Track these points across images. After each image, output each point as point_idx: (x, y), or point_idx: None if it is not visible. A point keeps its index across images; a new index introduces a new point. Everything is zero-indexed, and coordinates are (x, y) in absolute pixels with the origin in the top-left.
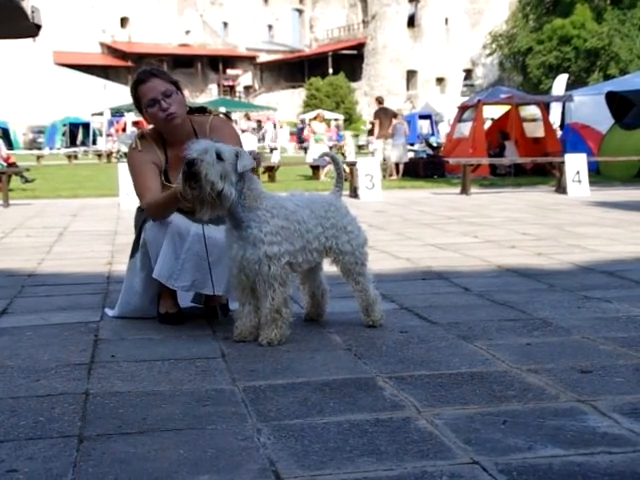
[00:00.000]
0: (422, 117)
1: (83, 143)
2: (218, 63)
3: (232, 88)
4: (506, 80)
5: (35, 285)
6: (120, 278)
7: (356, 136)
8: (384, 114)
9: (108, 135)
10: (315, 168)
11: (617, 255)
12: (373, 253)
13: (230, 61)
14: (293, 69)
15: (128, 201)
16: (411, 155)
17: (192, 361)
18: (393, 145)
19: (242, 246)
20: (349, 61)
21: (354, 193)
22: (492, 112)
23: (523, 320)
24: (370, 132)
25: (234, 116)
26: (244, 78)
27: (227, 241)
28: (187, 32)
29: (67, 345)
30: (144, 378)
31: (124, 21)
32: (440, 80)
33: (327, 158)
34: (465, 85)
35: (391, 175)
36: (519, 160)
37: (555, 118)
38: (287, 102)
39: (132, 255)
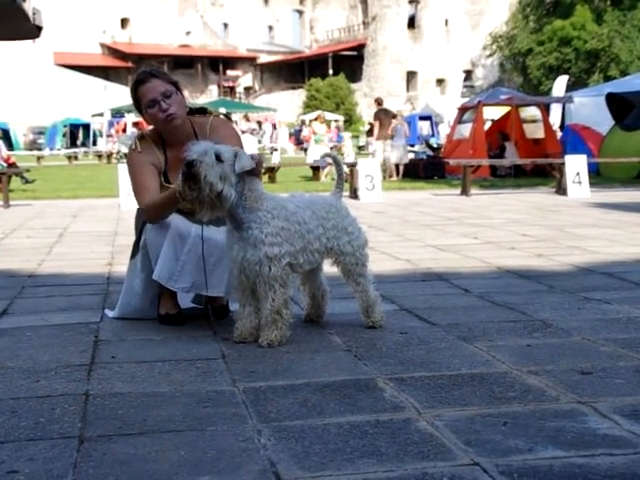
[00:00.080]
0: (422, 118)
1: (83, 144)
2: (218, 64)
3: (232, 89)
4: (506, 81)
5: (35, 286)
6: (120, 279)
7: (356, 137)
8: (384, 115)
9: (108, 136)
10: (315, 169)
11: (617, 256)
12: (373, 254)
13: (230, 62)
14: (293, 70)
15: (128, 202)
16: (411, 156)
17: (192, 362)
18: (393, 146)
19: (243, 247)
20: (349, 62)
21: (354, 194)
22: (492, 113)
23: (523, 321)
24: (369, 133)
25: (234, 117)
26: (244, 79)
27: (228, 242)
28: (187, 33)
29: (67, 346)
30: (144, 379)
31: (124, 22)
32: (440, 81)
33: (328, 159)
34: (465, 86)
35: (391, 176)
36: (519, 161)
37: (555, 119)
38: (287, 103)
39: (132, 256)
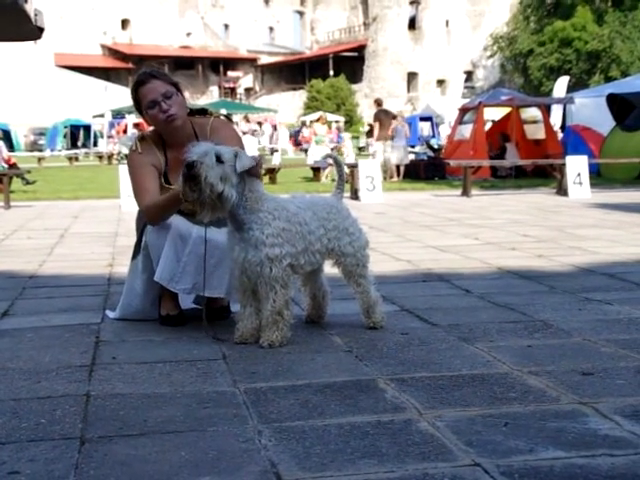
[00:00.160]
0: (423, 119)
1: (84, 145)
2: (219, 65)
3: (233, 90)
4: (507, 82)
5: (36, 287)
6: (121, 280)
7: (356, 138)
8: (384, 115)
9: (109, 137)
10: (316, 170)
11: (618, 257)
12: (374, 255)
13: (231, 63)
14: (294, 71)
15: (129, 203)
16: (412, 157)
17: (193, 363)
18: (394, 147)
19: (244, 248)
20: (350, 63)
21: (355, 195)
22: (493, 114)
23: (524, 322)
24: (368, 134)
25: (234, 118)
26: (245, 80)
27: (229, 243)
28: (188, 34)
29: (68, 347)
30: (145, 380)
31: (125, 23)
32: (441, 82)
33: (329, 160)
34: (466, 87)
35: (392, 177)
36: (520, 162)
37: (556, 120)
38: (288, 104)
39: (134, 257)
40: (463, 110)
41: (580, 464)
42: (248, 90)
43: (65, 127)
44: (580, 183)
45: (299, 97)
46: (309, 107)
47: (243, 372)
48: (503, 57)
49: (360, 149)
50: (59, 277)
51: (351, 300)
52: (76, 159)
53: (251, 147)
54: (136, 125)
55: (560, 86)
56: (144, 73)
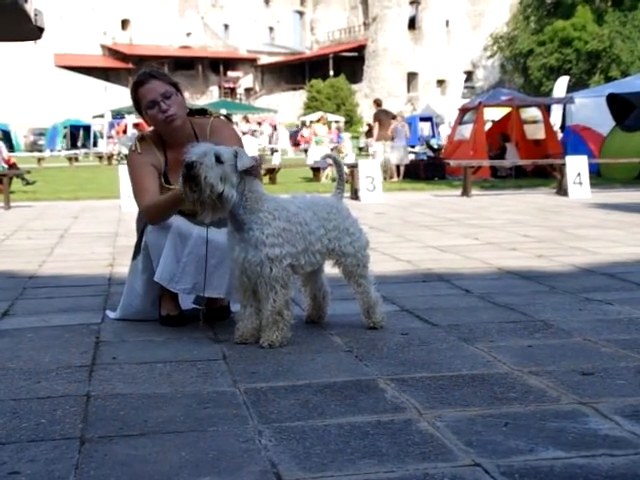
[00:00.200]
0: (423, 119)
1: (84, 145)
2: (219, 65)
3: (233, 90)
4: (507, 82)
5: (36, 287)
6: (121, 280)
7: (356, 138)
8: (384, 116)
9: (109, 137)
10: (316, 170)
11: (618, 257)
12: (374, 255)
13: (231, 63)
14: (294, 71)
15: (129, 203)
16: (412, 157)
17: (193, 363)
18: (394, 147)
19: (244, 248)
20: (350, 63)
21: (355, 195)
22: (493, 114)
23: (524, 322)
24: (367, 134)
25: (234, 118)
26: (245, 80)
27: (229, 243)
28: (188, 34)
29: (68, 347)
30: (145, 380)
31: (125, 23)
32: (441, 82)
33: (329, 160)
34: (466, 87)
35: (392, 177)
36: (520, 162)
37: (556, 120)
38: (288, 104)
39: (134, 257)
40: (463, 110)
41: (580, 464)
42: (248, 90)
43: (65, 127)
44: (580, 183)
45: (299, 97)
46: (309, 107)
47: (243, 372)
48: (503, 57)
49: (360, 149)
50: (59, 277)
51: (351, 300)
52: (76, 159)
53: (251, 147)
54: (136, 125)
55: (560, 86)
56: (143, 73)
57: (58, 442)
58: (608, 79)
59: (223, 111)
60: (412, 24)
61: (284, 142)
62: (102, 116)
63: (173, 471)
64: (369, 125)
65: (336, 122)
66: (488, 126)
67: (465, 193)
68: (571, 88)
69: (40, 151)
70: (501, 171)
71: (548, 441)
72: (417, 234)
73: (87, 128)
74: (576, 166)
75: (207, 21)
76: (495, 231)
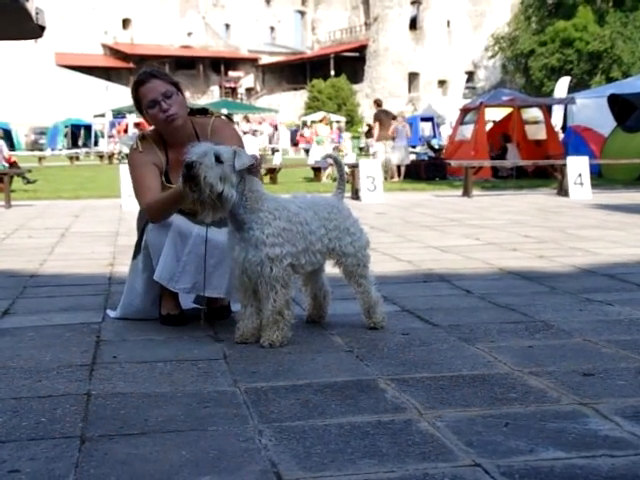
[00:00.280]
0: (424, 119)
1: (85, 144)
2: (220, 65)
3: (234, 90)
4: (508, 82)
5: (37, 286)
6: (122, 279)
7: (356, 138)
8: (385, 116)
9: (110, 136)
10: (316, 170)
11: (619, 258)
12: (375, 255)
13: (232, 63)
14: (295, 71)
15: (130, 202)
16: (413, 157)
17: (194, 362)
18: (395, 147)
19: (244, 248)
20: (351, 63)
21: (356, 195)
22: (494, 114)
23: (525, 323)
24: (367, 134)
25: (235, 118)
26: (246, 80)
27: (229, 243)
28: (189, 34)
29: (69, 346)
30: (146, 379)
31: (126, 22)
32: (442, 82)
33: (329, 160)
34: (467, 87)
35: (392, 177)
36: (521, 162)
37: (557, 121)
38: (289, 104)
39: (134, 256)
40: (464, 110)
41: (580, 465)
42: (249, 90)
43: (66, 126)
44: (581, 184)
45: (300, 97)
46: (310, 107)
47: (244, 372)
48: (504, 57)
49: (361, 149)
50: (60, 276)
51: (352, 300)
52: (77, 158)
53: (252, 147)
54: (137, 125)
55: (561, 86)
56: (144, 72)
57: (58, 441)
58: (609, 80)
59: (224, 111)
60: (413, 24)
61: (285, 142)
62: (103, 115)
63: (173, 470)
64: (369, 125)
65: (337, 122)
66: (489, 126)
67: (466, 193)
68: (572, 89)
69: (41, 150)
70: (502, 171)
71: (548, 441)
72: (418, 234)
73: (88, 127)
74: (577, 167)
75: (208, 21)
76: (496, 231)
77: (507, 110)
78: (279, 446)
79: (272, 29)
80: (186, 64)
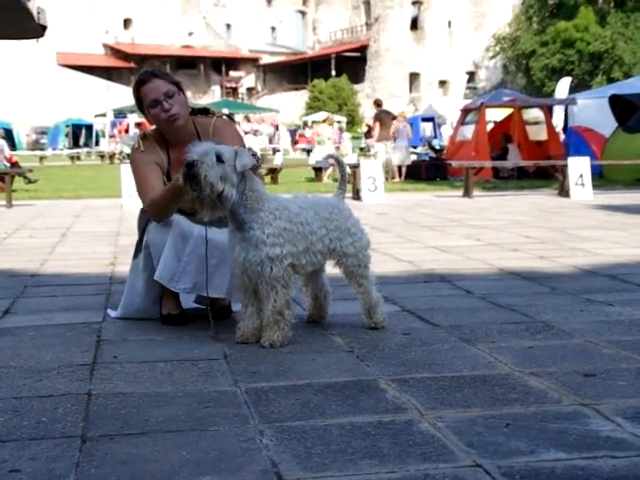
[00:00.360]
0: (425, 120)
1: (86, 144)
2: (221, 65)
3: (235, 90)
4: (509, 83)
5: (38, 285)
6: (122, 279)
7: (357, 138)
8: (385, 116)
9: (111, 136)
10: (318, 170)
11: (620, 258)
12: (375, 255)
13: (233, 63)
14: (296, 71)
15: (131, 202)
16: (414, 158)
17: (194, 362)
18: (396, 147)
19: (244, 248)
20: (352, 63)
21: (356, 195)
22: (495, 115)
23: (525, 323)
24: (367, 135)
25: (236, 118)
26: (247, 80)
27: (230, 243)
28: (190, 34)
29: (70, 346)
30: (146, 379)
31: (127, 22)
32: (443, 83)
33: (331, 160)
34: (468, 88)
35: (393, 177)
36: (522, 163)
37: (558, 121)
38: (290, 104)
39: (135, 256)
40: (465, 111)
41: (581, 466)
42: (250, 90)
43: (67, 126)
44: (582, 184)
45: (301, 97)
46: (311, 107)
47: (244, 372)
48: (505, 58)
49: (361, 149)
50: (61, 276)
51: (352, 300)
52: (78, 158)
53: (253, 146)
54: (138, 125)
55: (562, 87)
56: (146, 72)
57: (59, 440)
58: (610, 80)
59: (225, 111)
60: (414, 24)
61: (285, 142)
62: (104, 115)
63: (174, 470)
64: (368, 126)
65: (338, 122)
66: (490, 127)
67: (467, 194)
68: (573, 89)
69: (42, 150)
70: (503, 172)
71: (549, 442)
72: (419, 235)
73: (89, 127)
74: (578, 167)
75: (209, 20)
76: (497, 232)
77: (508, 110)
78: (280, 446)
79: (273, 29)
80: (187, 64)
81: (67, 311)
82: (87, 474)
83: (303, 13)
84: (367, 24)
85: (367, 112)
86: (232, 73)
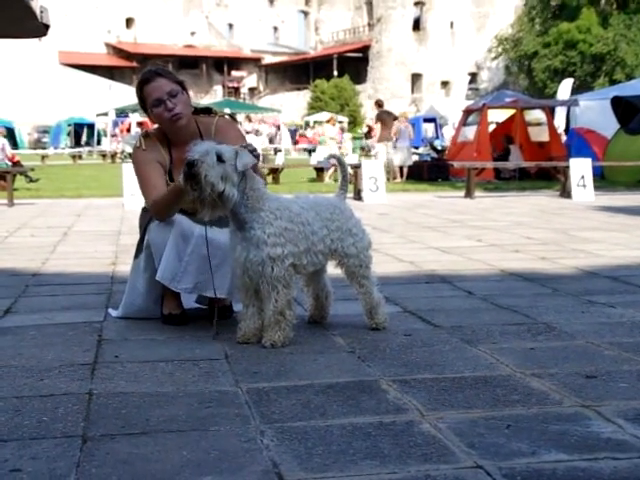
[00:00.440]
0: (427, 120)
1: (88, 143)
2: (223, 64)
3: (237, 90)
4: (511, 84)
5: (39, 285)
6: (124, 278)
7: (359, 139)
8: (387, 116)
9: (113, 135)
10: (319, 170)
11: (622, 260)
12: (377, 256)
13: (235, 63)
14: (298, 71)
15: (132, 201)
16: (415, 158)
17: (195, 362)
18: (397, 148)
19: (245, 247)
20: (354, 64)
21: (358, 196)
22: (497, 116)
23: (527, 324)
24: (367, 135)
25: (238, 118)
26: (249, 80)
27: (231, 243)
28: (192, 33)
29: (71, 345)
30: (147, 379)
31: (129, 22)
32: (445, 83)
33: (332, 160)
34: (470, 89)
35: (395, 178)
36: (524, 164)
37: (560, 122)
38: (292, 104)
39: (136, 256)
40: (467, 112)
41: (583, 467)
42: (252, 90)
43: (69, 125)
44: (584, 186)
45: (303, 97)
46: (313, 107)
47: (245, 372)
48: (507, 59)
49: (362, 149)
50: (62, 275)
51: (354, 301)
52: (79, 157)
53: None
54: (140, 124)
55: (564, 88)
56: (149, 71)
57: (60, 440)
58: (612, 82)
59: (227, 110)
60: (416, 25)
61: (287, 142)
62: (106, 114)
63: (175, 470)
64: (369, 126)
65: (340, 122)
66: (492, 128)
67: (468, 195)
68: (575, 90)
69: (44, 149)
70: (505, 173)
71: (550, 444)
72: (420, 235)
73: (91, 126)
74: (580, 169)
75: (211, 20)
76: (498, 233)
77: (510, 112)
78: (281, 447)
79: (275, 29)
80: (189, 64)
81: (68, 310)
82: (88, 474)
83: (305, 13)
84: (369, 24)
85: (369, 112)
86: (234, 73)
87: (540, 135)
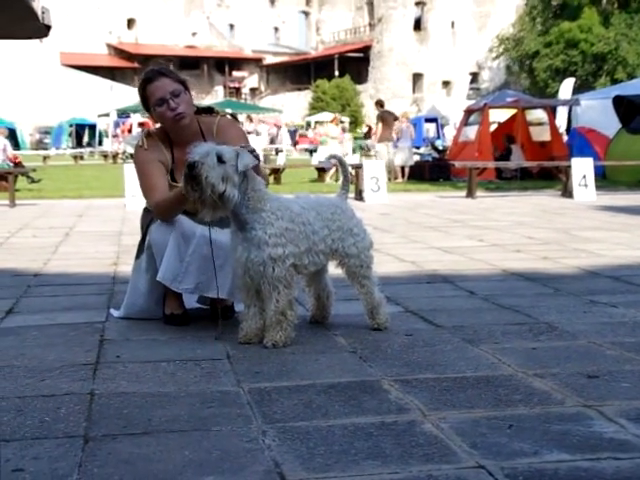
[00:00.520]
0: (428, 120)
1: (89, 144)
2: (224, 65)
3: (238, 90)
4: (512, 84)
5: (41, 285)
6: (125, 279)
7: (360, 139)
8: (388, 116)
9: (114, 136)
10: (321, 170)
11: (623, 260)
12: (378, 256)
13: (236, 63)
14: (299, 71)
15: (134, 202)
16: (417, 158)
17: (197, 362)
18: (399, 148)
19: (246, 248)
20: (355, 64)
21: (359, 196)
22: (498, 116)
23: (529, 324)
24: (367, 135)
25: (239, 118)
26: (250, 80)
27: (232, 243)
28: (193, 34)
29: (72, 345)
30: (149, 379)
31: (131, 22)
32: (446, 83)
33: (333, 160)
34: (471, 88)
35: (396, 178)
36: (525, 164)
37: (561, 122)
38: (293, 104)
39: (138, 256)
40: (468, 111)
41: (585, 467)
42: (253, 90)
43: (70, 126)
44: (585, 185)
45: (304, 97)
46: (314, 107)
47: (247, 372)
48: (509, 58)
49: (362, 148)
50: (64, 275)
51: (355, 301)
52: (81, 158)
53: (256, 146)
54: (141, 124)
55: (566, 88)
56: (152, 70)
57: (62, 440)
58: (614, 81)
59: (229, 110)
60: (417, 25)
61: (288, 142)
62: (107, 115)
63: (177, 470)
64: (369, 126)
65: (341, 122)
66: (493, 128)
67: (470, 194)
68: (577, 90)
69: (45, 149)
70: (506, 173)
71: (553, 444)
72: (421, 235)
73: (92, 127)
74: (581, 168)
75: (212, 21)
76: (500, 233)
77: (511, 111)
78: (283, 446)
79: (276, 29)
80: (190, 64)
81: (70, 311)
82: (90, 474)
83: (306, 13)
84: (370, 24)
85: (370, 112)
86: (235, 73)
87: (542, 135)
